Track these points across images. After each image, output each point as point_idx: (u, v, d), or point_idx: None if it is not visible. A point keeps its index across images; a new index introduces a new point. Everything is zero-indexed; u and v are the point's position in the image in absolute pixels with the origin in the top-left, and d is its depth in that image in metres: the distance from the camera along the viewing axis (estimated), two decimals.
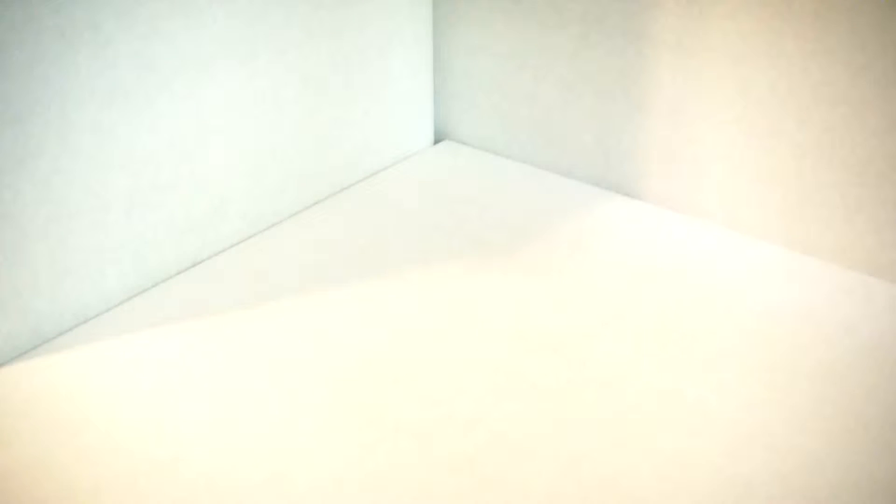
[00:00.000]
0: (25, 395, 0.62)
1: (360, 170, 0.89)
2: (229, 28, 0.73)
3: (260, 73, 0.76)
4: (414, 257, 0.75)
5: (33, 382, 0.63)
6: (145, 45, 0.67)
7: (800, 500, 0.53)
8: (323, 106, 0.83)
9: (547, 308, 0.70)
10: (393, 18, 0.86)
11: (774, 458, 0.55)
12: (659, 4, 0.77)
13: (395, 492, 0.54)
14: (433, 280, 0.72)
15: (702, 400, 0.60)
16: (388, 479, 0.55)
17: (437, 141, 0.94)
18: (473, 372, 0.64)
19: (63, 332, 0.68)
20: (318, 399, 0.61)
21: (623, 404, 0.60)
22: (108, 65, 0.65)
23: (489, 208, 0.81)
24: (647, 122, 0.81)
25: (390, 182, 0.88)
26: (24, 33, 0.60)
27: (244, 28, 0.74)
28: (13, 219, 0.63)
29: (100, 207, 0.68)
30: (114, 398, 0.62)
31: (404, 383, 0.63)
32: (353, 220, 0.82)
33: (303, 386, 0.62)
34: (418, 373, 0.63)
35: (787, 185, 0.76)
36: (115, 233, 0.69)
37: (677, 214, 0.81)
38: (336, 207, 0.84)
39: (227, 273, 0.75)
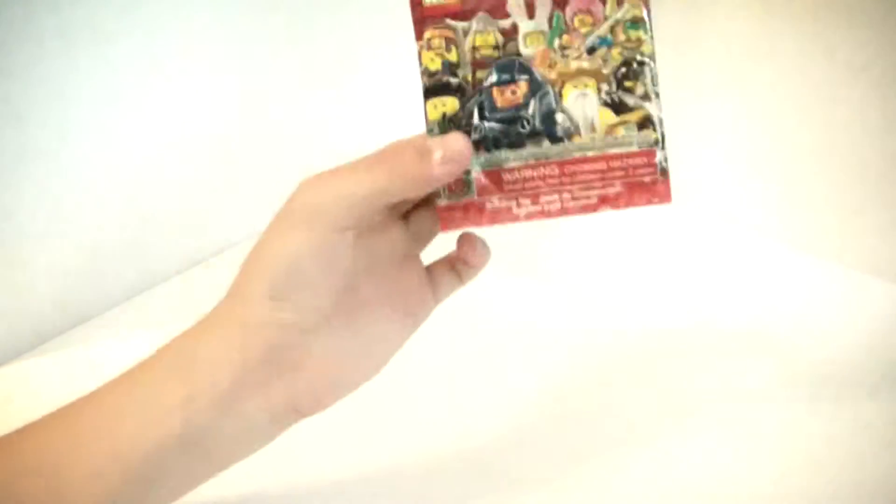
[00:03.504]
0: (25, 395, 0.62)
1: None
2: (229, 27, 0.73)
3: (260, 71, 0.76)
4: None
5: (33, 382, 0.63)
6: (145, 45, 0.67)
7: (800, 500, 0.53)
8: (322, 105, 0.83)
9: (546, 307, 0.70)
10: (393, 18, 0.86)
11: (774, 459, 0.55)
12: (659, 4, 0.76)
13: (396, 492, 0.54)
14: None
15: (701, 400, 0.60)
16: (388, 479, 0.55)
17: None
18: (473, 372, 0.64)
19: (63, 332, 0.68)
20: None
21: (622, 403, 0.60)
22: (108, 65, 0.65)
23: None
24: None
25: None
26: (24, 33, 0.60)
27: (244, 27, 0.74)
28: (13, 219, 0.63)
29: (100, 207, 0.68)
30: None
31: (404, 383, 0.63)
32: None
33: None
34: (418, 372, 0.63)
35: (787, 185, 0.76)
36: (115, 233, 0.69)
37: (677, 214, 0.81)
38: None
39: (227, 273, 0.75)
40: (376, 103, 0.88)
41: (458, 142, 0.43)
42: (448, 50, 0.44)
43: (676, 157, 0.81)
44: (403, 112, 0.91)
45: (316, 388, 0.43)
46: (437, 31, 0.44)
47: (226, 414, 0.41)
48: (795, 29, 0.71)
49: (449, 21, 0.44)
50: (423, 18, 0.44)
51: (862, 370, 0.63)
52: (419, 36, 0.44)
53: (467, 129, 0.44)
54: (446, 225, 0.45)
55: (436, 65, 0.44)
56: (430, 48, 0.44)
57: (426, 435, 0.58)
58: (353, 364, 0.45)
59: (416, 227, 0.47)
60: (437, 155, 0.42)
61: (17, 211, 0.63)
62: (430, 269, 0.48)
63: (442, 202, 0.44)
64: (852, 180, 0.72)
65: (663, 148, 0.44)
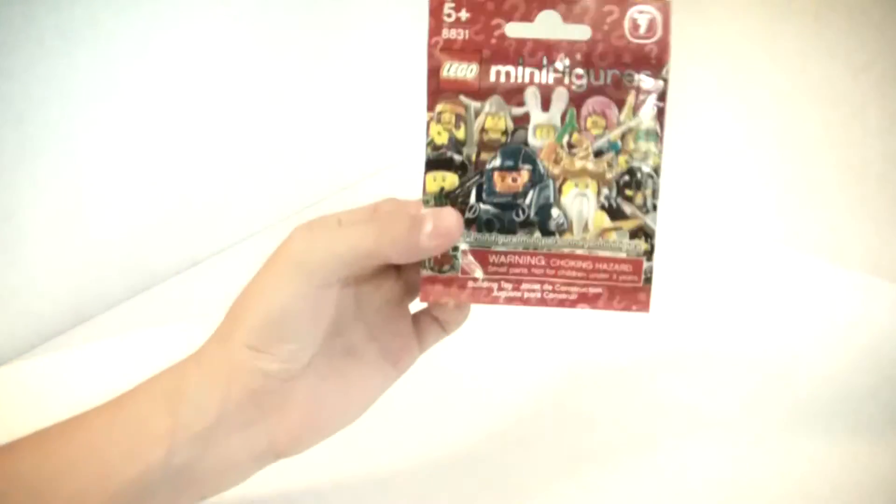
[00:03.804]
0: (25, 394, 0.62)
1: (359, 170, 0.89)
2: (230, 27, 0.73)
3: (260, 72, 0.76)
4: None
5: (33, 382, 0.63)
6: (145, 45, 0.67)
7: (800, 500, 0.53)
8: (322, 105, 0.83)
9: (545, 307, 0.70)
10: (393, 18, 0.86)
11: (774, 458, 0.55)
12: None
13: (396, 491, 0.54)
14: None
15: (701, 400, 0.60)
16: (388, 479, 0.55)
17: None
18: (472, 372, 0.64)
19: (63, 332, 0.68)
20: None
21: (622, 403, 0.60)
22: (108, 65, 0.65)
23: None
24: None
25: (390, 182, 0.88)
26: (24, 33, 0.60)
27: (244, 27, 0.74)
28: (13, 219, 0.63)
29: (100, 207, 0.68)
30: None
31: (403, 382, 0.63)
32: None
33: None
34: (417, 371, 0.63)
35: (786, 185, 0.76)
36: (115, 232, 0.69)
37: (676, 214, 0.81)
38: (335, 207, 0.84)
39: (227, 273, 0.75)
40: (379, 102, 0.88)
41: (450, 218, 0.43)
42: (457, 126, 0.44)
43: (676, 157, 0.81)
44: (406, 112, 0.91)
45: (295, 432, 0.44)
46: (449, 106, 0.44)
47: (207, 449, 0.42)
48: (795, 29, 0.71)
49: (463, 98, 0.44)
50: (437, 90, 0.44)
51: (862, 371, 0.63)
52: (431, 107, 0.44)
53: (463, 206, 0.44)
54: (426, 295, 0.45)
55: (442, 139, 0.44)
56: (439, 121, 0.44)
57: (424, 438, 0.58)
58: (333, 409, 0.46)
59: (406, 277, 0.47)
60: (428, 227, 0.42)
61: (17, 211, 0.63)
62: (415, 318, 0.48)
63: (426, 272, 0.44)
64: (852, 180, 0.72)
65: (651, 259, 0.44)
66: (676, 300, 0.70)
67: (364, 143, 0.88)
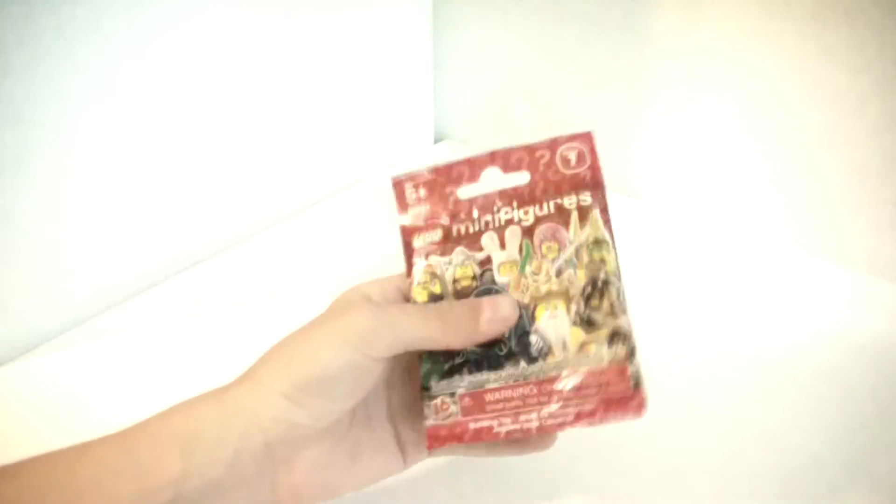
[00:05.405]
0: (25, 394, 0.62)
1: (359, 170, 0.89)
2: (230, 28, 0.73)
3: (260, 73, 0.76)
4: None
5: (33, 382, 0.63)
6: (146, 45, 0.67)
7: (800, 500, 0.53)
8: (322, 106, 0.83)
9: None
10: (393, 18, 0.86)
11: (774, 458, 0.55)
12: (659, 4, 0.77)
13: (396, 492, 0.54)
14: None
15: (701, 400, 0.60)
16: (387, 479, 0.55)
17: (437, 141, 0.94)
18: None
19: (63, 332, 0.68)
20: None
21: None
22: (108, 65, 0.65)
23: None
24: (647, 122, 0.81)
25: (390, 182, 0.87)
26: (24, 33, 0.60)
27: (244, 28, 0.74)
28: (13, 219, 0.63)
29: (99, 207, 0.68)
30: (114, 398, 0.62)
31: None
32: (353, 221, 0.82)
33: None
34: None
35: (786, 185, 0.76)
36: (115, 232, 0.69)
37: (677, 214, 0.81)
38: (335, 208, 0.84)
39: (227, 273, 0.75)
40: (379, 102, 0.88)
41: (506, 307, 0.46)
42: (433, 283, 0.47)
43: (677, 156, 0.81)
44: (406, 113, 0.91)
45: (299, 489, 0.45)
46: (422, 267, 0.48)
47: (213, 498, 0.42)
48: (795, 29, 0.71)
49: (433, 258, 0.48)
50: (412, 258, 0.48)
51: (862, 370, 0.63)
52: (409, 273, 0.48)
53: (454, 353, 0.46)
54: (432, 443, 0.46)
55: (423, 297, 0.47)
56: (418, 283, 0.48)
57: None
58: (338, 473, 0.46)
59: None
60: (487, 314, 0.46)
61: (17, 211, 0.63)
62: None
63: (429, 423, 0.46)
64: (852, 180, 0.72)
65: (634, 361, 0.45)
66: (676, 299, 0.70)
67: (363, 143, 0.88)
